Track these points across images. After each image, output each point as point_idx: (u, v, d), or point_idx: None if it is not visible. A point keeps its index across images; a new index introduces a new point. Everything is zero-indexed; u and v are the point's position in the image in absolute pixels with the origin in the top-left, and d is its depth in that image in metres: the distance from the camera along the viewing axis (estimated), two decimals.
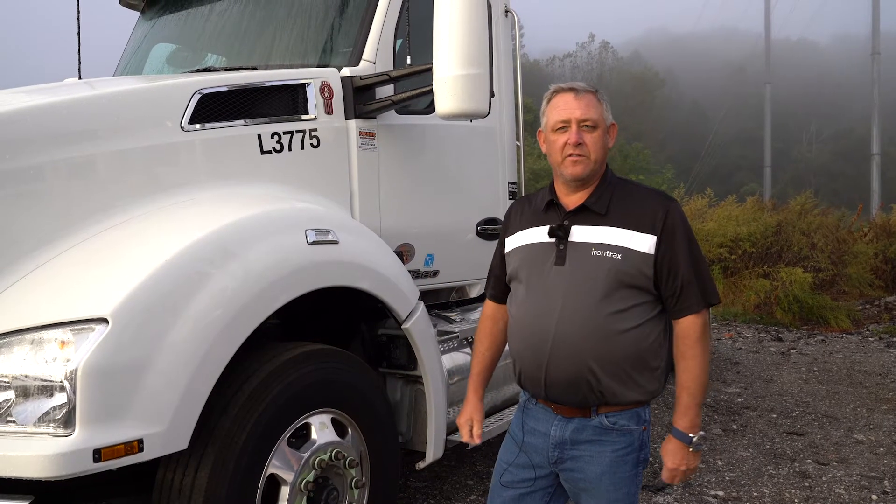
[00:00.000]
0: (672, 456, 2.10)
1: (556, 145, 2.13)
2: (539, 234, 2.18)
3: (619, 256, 2.04)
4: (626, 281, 2.04)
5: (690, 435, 2.08)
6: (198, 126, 2.87)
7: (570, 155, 2.09)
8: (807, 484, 4.38)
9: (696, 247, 2.10)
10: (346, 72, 3.36)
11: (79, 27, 4.07)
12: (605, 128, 2.14)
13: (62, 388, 2.08)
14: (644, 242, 2.04)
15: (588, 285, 2.05)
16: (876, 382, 7.10)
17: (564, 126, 2.11)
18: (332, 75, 3.33)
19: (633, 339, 2.06)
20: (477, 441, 2.41)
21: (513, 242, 2.28)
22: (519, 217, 2.30)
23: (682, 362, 2.08)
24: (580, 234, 2.11)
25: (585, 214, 2.12)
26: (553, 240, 2.13)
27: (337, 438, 2.87)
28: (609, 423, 2.10)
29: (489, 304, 2.49)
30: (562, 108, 2.12)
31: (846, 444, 5.15)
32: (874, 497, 4.17)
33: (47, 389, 2.10)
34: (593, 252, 2.07)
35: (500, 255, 2.39)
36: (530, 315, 2.16)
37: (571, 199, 2.16)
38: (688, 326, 2.07)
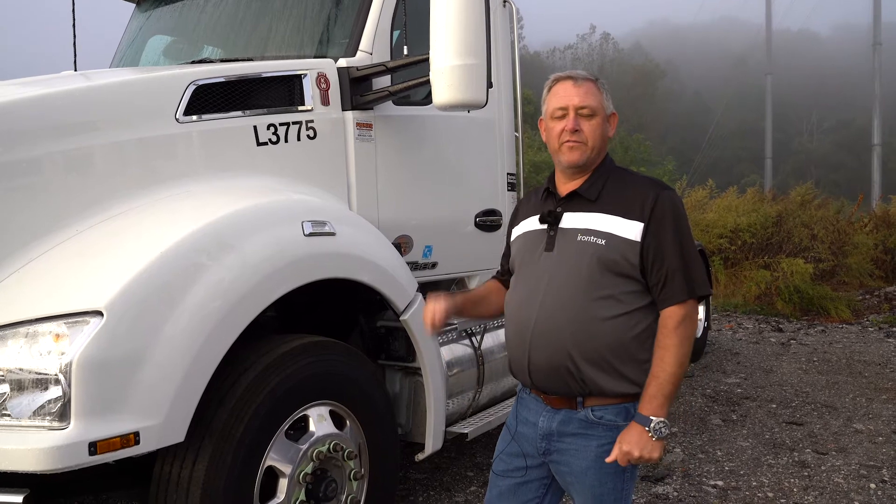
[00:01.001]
0: (627, 437, 1.99)
1: (553, 132, 2.13)
2: (534, 223, 2.19)
3: (603, 242, 2.02)
4: (610, 267, 2.02)
5: (651, 418, 1.96)
6: (193, 117, 2.86)
7: (567, 142, 2.09)
8: (806, 473, 4.38)
9: (686, 236, 2.06)
10: (342, 62, 3.34)
11: (74, 19, 4.05)
12: (604, 116, 2.13)
13: (57, 382, 2.07)
14: (630, 229, 2.02)
15: (572, 271, 2.04)
16: (875, 372, 7.10)
17: (562, 113, 2.10)
18: (329, 66, 3.31)
19: (617, 327, 2.02)
20: (428, 328, 2.24)
21: (515, 232, 2.31)
22: (525, 208, 2.32)
23: (656, 351, 2.02)
24: (570, 220, 2.10)
25: (577, 201, 2.12)
26: (545, 226, 2.14)
27: (335, 430, 2.87)
28: (595, 417, 2.07)
29: (492, 280, 2.50)
30: (561, 96, 2.11)
31: (845, 434, 5.15)
32: (872, 486, 4.17)
33: (42, 383, 2.10)
34: (579, 238, 2.06)
35: (507, 246, 2.42)
36: (519, 300, 2.17)
37: (566, 187, 2.16)
38: (667, 316, 2.02)
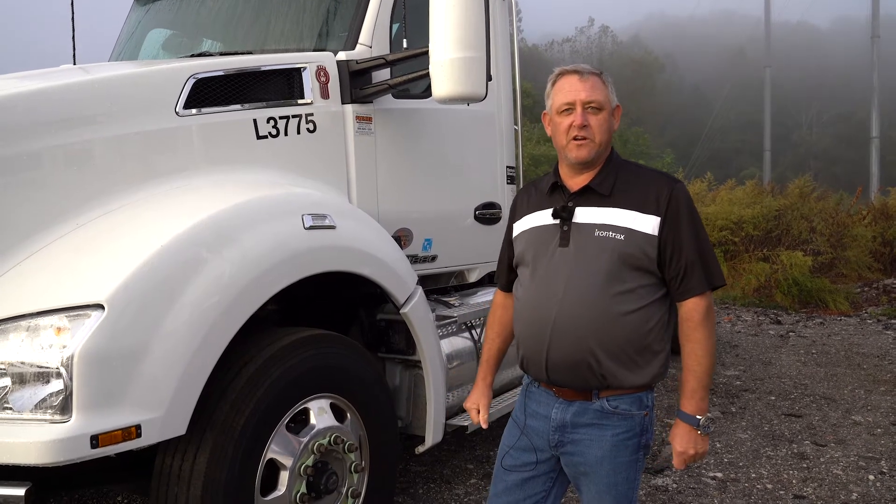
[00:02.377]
0: (680, 439, 2.09)
1: (560, 127, 2.11)
2: (544, 217, 2.17)
3: (622, 237, 2.03)
4: (629, 262, 2.03)
5: (698, 417, 2.06)
6: (193, 111, 2.85)
7: (575, 137, 2.08)
8: (805, 465, 4.40)
9: (700, 228, 2.08)
10: (342, 56, 3.34)
11: (73, 12, 4.04)
12: (610, 110, 2.13)
13: (59, 375, 2.08)
14: (647, 223, 2.03)
15: (591, 266, 2.04)
16: (874, 364, 7.12)
17: (569, 108, 2.09)
18: (328, 59, 3.30)
19: (636, 321, 2.04)
20: (484, 426, 2.45)
21: (519, 227, 2.28)
22: (526, 202, 2.29)
23: (686, 345, 2.07)
24: (584, 215, 2.09)
25: (589, 195, 2.11)
26: (557, 221, 2.12)
27: (336, 423, 2.88)
28: (610, 406, 2.09)
29: (498, 293, 2.49)
30: (567, 91, 2.10)
31: (844, 426, 5.17)
32: (871, 477, 4.19)
33: (44, 376, 2.10)
34: (596, 233, 2.06)
35: (507, 242, 2.39)
36: (534, 297, 2.15)
37: (576, 181, 2.15)
38: (691, 309, 2.05)
